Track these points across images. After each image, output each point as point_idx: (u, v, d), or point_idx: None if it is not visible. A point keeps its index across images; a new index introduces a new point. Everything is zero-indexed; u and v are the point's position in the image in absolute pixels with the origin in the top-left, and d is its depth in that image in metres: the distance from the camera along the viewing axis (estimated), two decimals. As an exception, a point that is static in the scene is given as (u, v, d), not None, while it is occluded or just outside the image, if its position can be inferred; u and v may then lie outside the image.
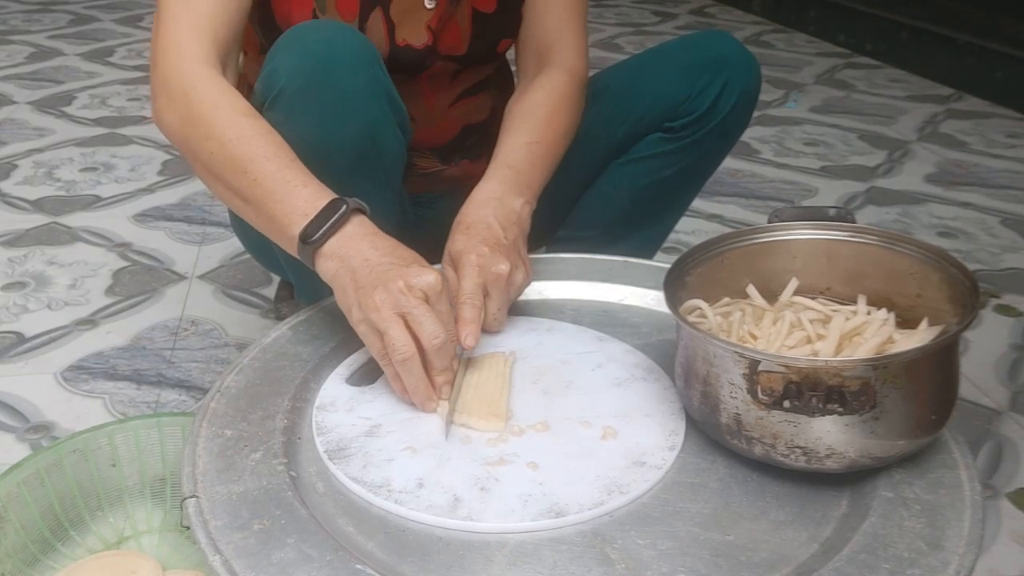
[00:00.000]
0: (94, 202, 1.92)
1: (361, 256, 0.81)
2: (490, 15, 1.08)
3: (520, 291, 0.93)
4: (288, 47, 0.91)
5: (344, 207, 0.83)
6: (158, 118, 0.92)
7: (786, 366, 0.66)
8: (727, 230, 0.87)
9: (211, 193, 0.97)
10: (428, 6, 1.03)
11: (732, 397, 0.69)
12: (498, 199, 0.96)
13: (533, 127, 1.04)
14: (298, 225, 0.83)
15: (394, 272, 0.78)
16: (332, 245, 0.82)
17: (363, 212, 0.85)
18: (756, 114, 1.15)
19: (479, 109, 1.15)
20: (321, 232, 0.81)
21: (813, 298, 0.81)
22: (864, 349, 0.72)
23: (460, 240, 0.91)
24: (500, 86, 1.17)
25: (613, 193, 1.18)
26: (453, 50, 1.07)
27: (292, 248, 0.84)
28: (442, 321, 0.78)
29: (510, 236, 0.93)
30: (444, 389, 0.80)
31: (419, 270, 0.79)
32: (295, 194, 0.84)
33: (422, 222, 1.16)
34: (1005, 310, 1.54)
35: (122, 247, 1.71)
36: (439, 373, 0.79)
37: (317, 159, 0.90)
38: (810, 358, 0.70)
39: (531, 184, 1.00)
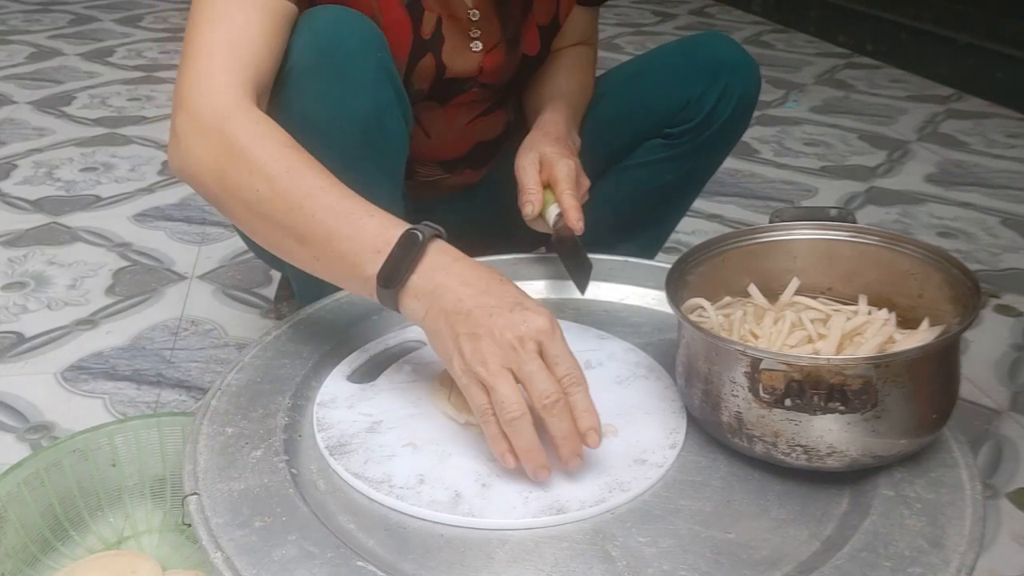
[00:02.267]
0: (94, 202, 1.92)
1: (452, 295, 0.72)
2: (534, 57, 1.11)
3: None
4: (299, 28, 0.90)
5: (419, 236, 0.74)
6: (184, 156, 0.82)
7: (788, 364, 0.66)
8: (727, 230, 0.87)
9: (250, 236, 0.86)
10: (475, 49, 1.05)
11: (733, 395, 0.69)
12: (568, 130, 1.07)
13: (580, 80, 1.17)
14: (372, 263, 0.74)
15: (499, 320, 0.69)
16: (414, 283, 0.73)
17: (440, 236, 0.76)
18: (756, 114, 1.16)
19: (494, 126, 1.17)
20: (401, 272, 0.73)
21: (814, 298, 0.81)
22: (865, 348, 0.72)
23: (553, 148, 1.01)
24: (516, 105, 1.19)
25: (613, 198, 1.19)
26: (492, 80, 1.09)
27: (365, 289, 0.76)
28: (561, 364, 0.69)
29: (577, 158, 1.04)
30: (574, 456, 0.69)
31: (526, 316, 0.69)
32: (362, 228, 0.75)
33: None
34: (1005, 310, 1.54)
35: (122, 247, 1.71)
36: (561, 441, 0.69)
37: (324, 139, 0.88)
38: (812, 356, 0.70)
39: (579, 123, 1.13)
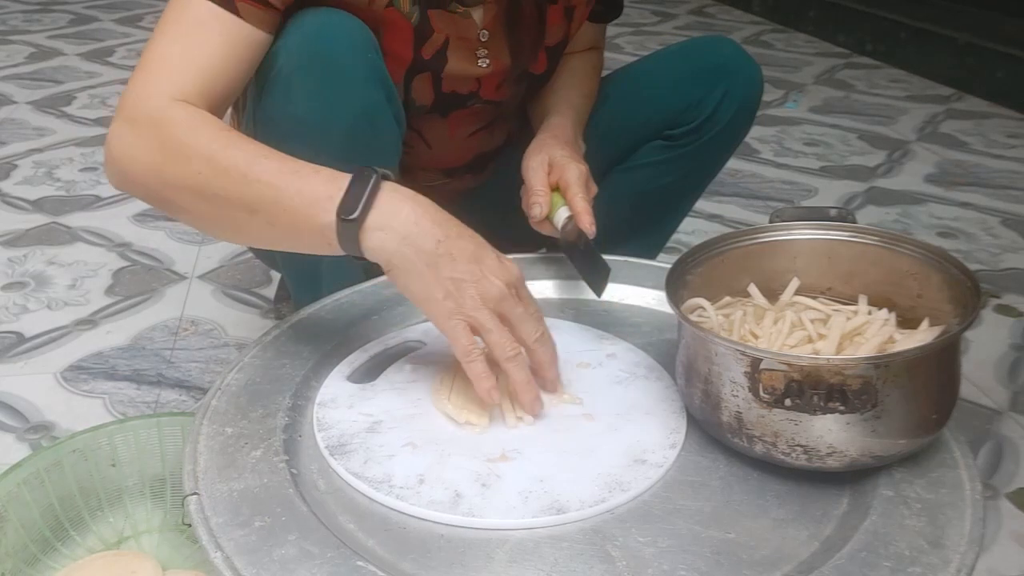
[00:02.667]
0: (94, 202, 1.92)
1: (429, 235, 0.74)
2: (539, 75, 1.11)
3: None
4: (286, 30, 0.89)
5: (373, 175, 0.75)
6: (118, 162, 0.82)
7: (788, 364, 0.66)
8: (727, 230, 0.87)
9: (200, 229, 0.87)
10: (481, 65, 1.03)
11: (734, 395, 0.69)
12: (575, 136, 1.08)
13: (585, 88, 1.16)
14: (327, 211, 0.74)
15: (487, 268, 0.75)
16: (376, 218, 0.74)
17: (389, 178, 0.77)
18: (756, 114, 1.16)
19: (495, 138, 1.16)
20: (362, 204, 0.73)
21: (814, 298, 0.81)
22: (865, 349, 0.72)
23: (563, 151, 1.01)
24: (519, 113, 1.18)
25: (613, 200, 1.18)
26: (494, 97, 1.08)
27: (324, 238, 0.75)
28: (532, 304, 0.78)
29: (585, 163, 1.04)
30: (556, 381, 0.80)
31: (503, 264, 0.77)
32: (311, 181, 0.75)
33: None
34: (1005, 310, 1.54)
35: (122, 247, 1.71)
36: (548, 367, 0.79)
37: (314, 140, 0.88)
38: (812, 356, 0.70)
39: (584, 128, 1.13)
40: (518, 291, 0.77)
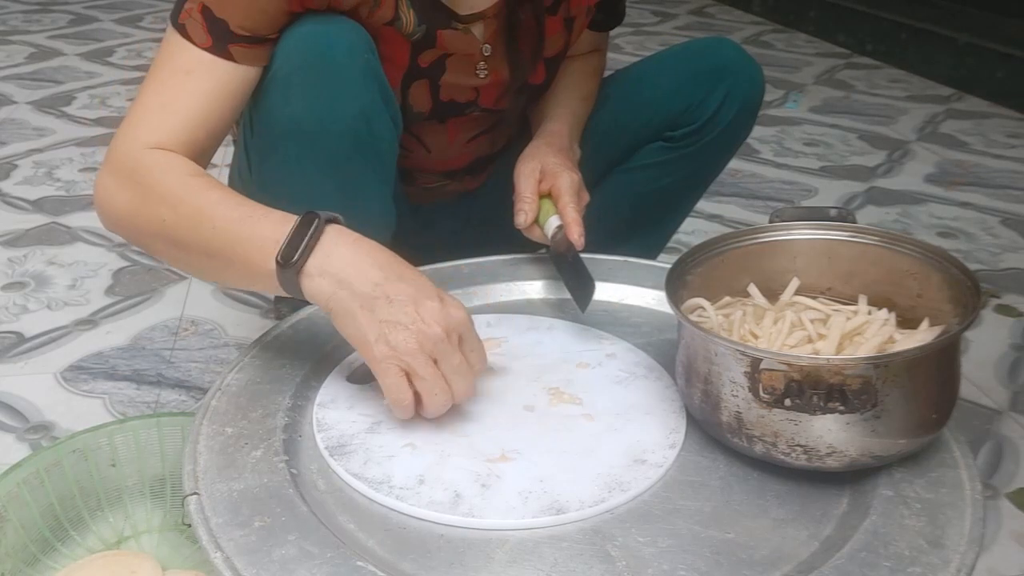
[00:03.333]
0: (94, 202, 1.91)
1: (366, 278, 0.74)
2: (538, 86, 1.10)
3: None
4: (285, 34, 0.89)
5: (316, 219, 0.75)
6: (106, 206, 0.86)
7: (788, 364, 0.66)
8: (727, 230, 0.87)
9: (178, 269, 0.91)
10: (480, 76, 1.03)
11: (733, 395, 0.69)
12: (570, 143, 1.08)
13: (585, 90, 1.16)
14: (271, 256, 0.75)
15: (426, 312, 0.73)
16: (316, 262, 0.74)
17: (337, 222, 0.78)
18: (757, 115, 1.16)
19: (496, 143, 1.16)
20: (301, 250, 0.74)
21: (814, 298, 0.81)
22: (865, 348, 0.72)
23: (557, 159, 1.01)
24: (520, 118, 1.18)
25: (613, 200, 1.18)
26: (493, 106, 1.08)
27: (272, 283, 0.76)
28: (476, 351, 0.75)
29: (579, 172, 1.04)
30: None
31: (448, 308, 0.74)
32: (260, 225, 0.77)
33: (418, 226, 1.17)
34: (1005, 310, 1.54)
35: (122, 247, 1.70)
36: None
37: (311, 142, 0.89)
38: (812, 356, 0.70)
39: (581, 132, 1.13)
40: (461, 337, 0.74)
